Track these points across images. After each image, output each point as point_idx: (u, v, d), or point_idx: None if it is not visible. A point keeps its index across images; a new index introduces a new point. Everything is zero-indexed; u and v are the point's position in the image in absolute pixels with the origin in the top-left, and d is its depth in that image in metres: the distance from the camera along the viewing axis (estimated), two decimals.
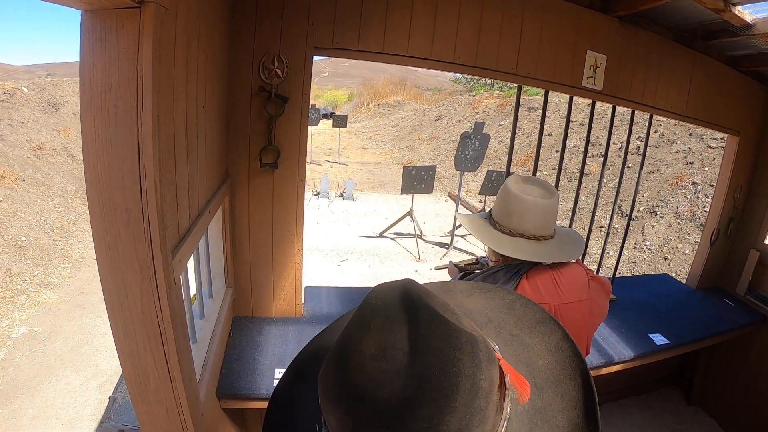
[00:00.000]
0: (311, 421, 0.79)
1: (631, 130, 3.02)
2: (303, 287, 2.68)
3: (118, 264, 1.17)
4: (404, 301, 0.67)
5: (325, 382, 0.64)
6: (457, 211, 8.31)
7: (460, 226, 8.27)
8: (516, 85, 2.67)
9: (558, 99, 12.43)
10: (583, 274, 1.62)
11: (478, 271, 1.78)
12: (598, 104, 2.82)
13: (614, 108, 2.87)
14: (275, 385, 2.10)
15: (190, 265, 1.93)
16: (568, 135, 11.53)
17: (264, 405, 2.13)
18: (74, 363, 4.38)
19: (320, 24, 2.12)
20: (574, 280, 1.60)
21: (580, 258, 1.77)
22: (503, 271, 1.61)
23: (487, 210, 1.77)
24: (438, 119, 18.76)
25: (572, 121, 12.09)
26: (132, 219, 1.13)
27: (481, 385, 0.62)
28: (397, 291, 0.69)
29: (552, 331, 0.90)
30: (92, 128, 1.08)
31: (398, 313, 0.66)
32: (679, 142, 9.71)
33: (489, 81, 20.25)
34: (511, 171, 2.81)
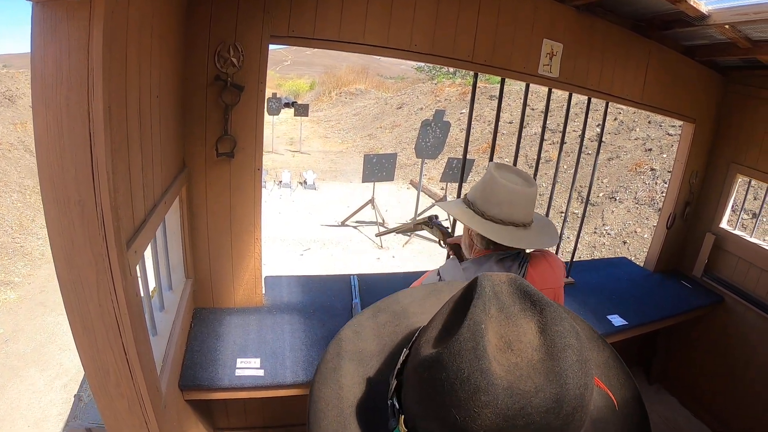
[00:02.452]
0: (366, 409, 0.77)
1: (587, 117, 3.10)
2: (263, 277, 2.68)
3: (73, 257, 1.16)
4: (523, 296, 0.68)
5: (450, 370, 0.61)
6: (418, 196, 8.36)
7: (422, 212, 8.34)
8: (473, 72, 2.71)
9: (520, 87, 12.60)
10: (558, 257, 1.71)
11: (468, 258, 1.81)
12: (562, 93, 2.87)
13: (570, 95, 2.94)
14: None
15: (149, 257, 1.91)
16: (531, 123, 11.76)
17: (226, 395, 2.15)
18: (38, 362, 4.29)
19: (276, 12, 2.11)
20: (559, 262, 1.73)
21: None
22: (502, 261, 1.66)
23: (461, 197, 1.81)
24: (400, 107, 18.78)
25: (533, 109, 12.29)
26: (85, 211, 1.12)
27: (594, 386, 0.65)
28: (508, 284, 0.69)
29: (601, 348, 0.91)
30: (44, 120, 1.06)
31: (519, 307, 0.66)
32: (638, 129, 9.98)
33: (451, 69, 20.35)
34: (468, 159, 2.85)
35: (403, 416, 0.69)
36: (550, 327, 0.64)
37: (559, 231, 2.18)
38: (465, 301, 0.69)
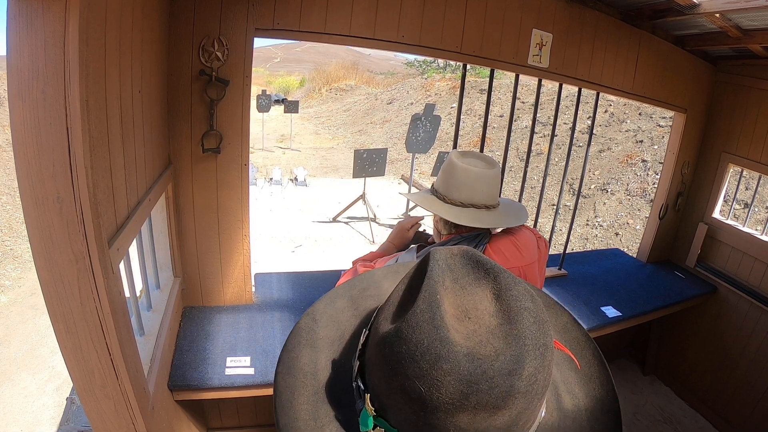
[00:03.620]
0: (334, 393, 0.77)
1: (577, 108, 3.10)
2: (253, 274, 2.66)
3: (53, 255, 1.14)
4: (476, 265, 0.69)
5: (410, 343, 0.61)
6: (410, 191, 8.35)
7: (414, 207, 8.33)
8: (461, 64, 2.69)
9: (510, 81, 12.61)
10: (532, 235, 1.73)
11: (432, 242, 1.81)
12: (553, 86, 2.86)
13: (561, 86, 2.94)
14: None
15: (135, 256, 1.88)
16: (522, 116, 11.78)
17: (217, 395, 2.12)
18: (30, 366, 4.23)
19: (261, 4, 2.08)
20: (528, 241, 1.69)
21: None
22: (459, 243, 1.64)
23: (429, 187, 1.80)
24: (390, 103, 18.76)
25: (524, 102, 12.31)
26: (64, 208, 1.09)
27: (553, 345, 0.65)
28: (460, 256, 0.70)
29: (559, 313, 0.93)
30: (21, 115, 1.04)
31: (472, 277, 0.68)
32: (629, 121, 10.02)
33: (441, 63, 20.38)
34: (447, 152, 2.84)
35: (368, 395, 0.70)
36: (505, 292, 0.65)
37: (551, 223, 2.17)
38: (419, 275, 0.70)
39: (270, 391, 2.13)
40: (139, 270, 2.05)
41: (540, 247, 1.72)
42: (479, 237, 1.65)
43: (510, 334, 0.62)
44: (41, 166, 1.07)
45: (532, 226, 3.45)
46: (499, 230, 1.72)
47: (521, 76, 2.82)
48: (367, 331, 0.77)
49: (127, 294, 1.62)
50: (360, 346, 0.76)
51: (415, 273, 0.72)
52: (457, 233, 1.69)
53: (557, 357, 0.82)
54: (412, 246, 1.88)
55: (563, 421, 0.75)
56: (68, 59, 1.02)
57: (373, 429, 0.69)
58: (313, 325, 0.88)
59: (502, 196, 1.85)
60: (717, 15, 2.46)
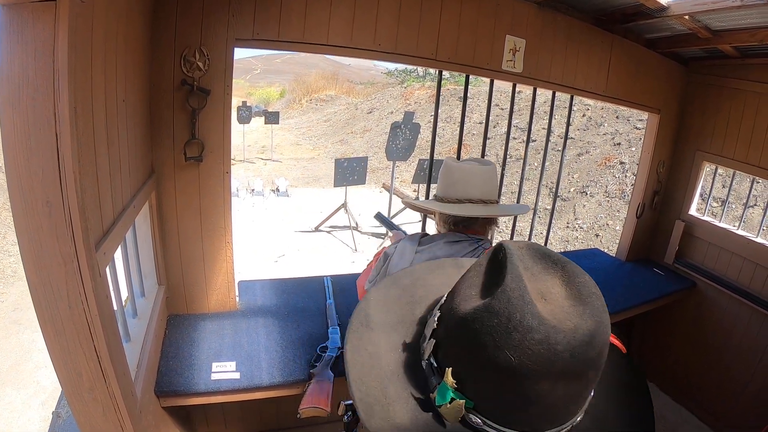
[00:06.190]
0: (398, 372, 0.85)
1: (552, 111, 3.18)
2: (237, 281, 2.68)
3: (43, 258, 1.16)
4: (543, 257, 0.77)
5: (501, 316, 0.68)
6: (390, 199, 8.40)
7: (396, 215, 8.38)
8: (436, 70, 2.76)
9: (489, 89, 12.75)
10: None
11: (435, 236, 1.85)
12: (530, 92, 2.93)
13: (535, 90, 3.01)
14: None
15: (121, 264, 1.90)
16: (500, 122, 11.92)
17: (203, 400, 2.14)
18: (14, 381, 4.18)
19: (241, 15, 2.13)
20: None
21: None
22: (453, 243, 1.70)
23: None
24: (370, 112, 18.84)
25: (502, 109, 12.45)
26: (53, 212, 1.12)
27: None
28: (526, 249, 0.79)
29: None
30: (11, 122, 1.07)
31: (540, 266, 0.76)
32: (606, 124, 10.20)
33: (421, 72, 20.51)
34: (437, 159, 2.90)
35: (450, 369, 0.76)
36: (572, 279, 0.74)
37: (530, 226, 2.23)
38: (495, 262, 0.78)
39: (257, 395, 2.17)
40: (124, 278, 2.07)
41: None
42: (477, 242, 1.70)
43: (584, 313, 0.70)
44: (31, 170, 1.10)
45: (513, 227, 3.53)
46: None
47: (499, 83, 2.89)
48: (436, 314, 0.84)
49: (113, 301, 1.64)
50: (435, 326, 0.82)
51: (489, 261, 0.80)
52: (455, 232, 1.74)
53: None
54: (412, 234, 1.91)
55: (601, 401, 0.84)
56: (57, 67, 1.06)
57: (449, 402, 0.75)
58: (373, 310, 0.96)
59: None
60: (686, 17, 2.53)
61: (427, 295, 0.98)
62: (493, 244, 0.83)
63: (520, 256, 0.76)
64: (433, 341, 0.81)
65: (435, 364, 0.80)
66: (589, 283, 0.74)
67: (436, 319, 0.83)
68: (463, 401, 0.74)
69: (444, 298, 0.86)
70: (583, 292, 0.72)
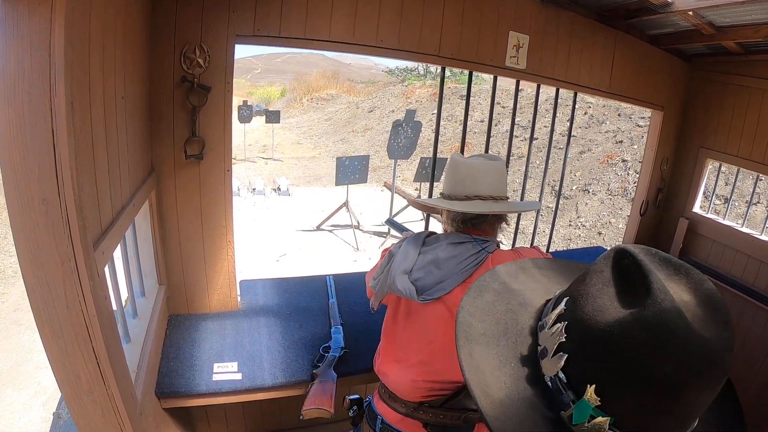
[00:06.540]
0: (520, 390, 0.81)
1: (556, 108, 3.15)
2: (238, 280, 2.65)
3: (39, 258, 1.14)
4: (665, 262, 0.74)
5: (656, 329, 0.67)
6: (392, 197, 8.38)
7: (397, 214, 8.36)
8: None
9: (491, 86, 12.73)
10: (537, 252, 1.70)
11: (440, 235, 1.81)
12: (533, 90, 2.90)
13: (538, 87, 2.99)
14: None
15: (120, 264, 1.88)
16: (503, 120, 11.89)
17: (205, 401, 2.11)
18: (15, 382, 4.17)
19: (241, 11, 2.10)
20: (531, 254, 1.66)
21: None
22: (456, 244, 1.64)
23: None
24: (371, 111, 18.84)
25: (504, 107, 12.43)
26: (50, 210, 1.10)
27: None
28: (645, 253, 0.75)
29: None
30: (6, 118, 1.05)
31: (664, 273, 0.72)
32: (608, 122, 10.18)
33: (422, 71, 20.51)
34: (440, 158, 2.88)
35: (592, 386, 0.73)
36: (699, 285, 0.71)
37: (533, 225, 2.20)
38: (623, 269, 0.76)
39: (259, 396, 2.15)
40: (124, 278, 2.04)
41: None
42: (483, 243, 1.64)
43: (718, 321, 0.68)
44: (27, 167, 1.07)
45: (516, 225, 3.49)
46: (507, 248, 1.72)
47: (502, 81, 2.86)
48: (559, 325, 0.79)
49: (112, 302, 1.62)
50: (560, 340, 0.78)
51: (615, 266, 0.77)
52: (463, 232, 1.70)
53: None
54: (417, 233, 1.86)
55: None
56: (54, 61, 1.04)
57: (588, 420, 0.73)
58: (471, 320, 0.91)
59: None
60: (690, 13, 2.50)
61: (524, 302, 0.94)
62: (607, 249, 0.79)
63: (651, 261, 0.73)
64: (564, 355, 0.77)
65: (565, 380, 0.76)
66: (714, 290, 0.71)
67: (562, 330, 0.78)
68: (607, 419, 0.72)
69: (563, 308, 0.81)
70: (713, 298, 0.70)
